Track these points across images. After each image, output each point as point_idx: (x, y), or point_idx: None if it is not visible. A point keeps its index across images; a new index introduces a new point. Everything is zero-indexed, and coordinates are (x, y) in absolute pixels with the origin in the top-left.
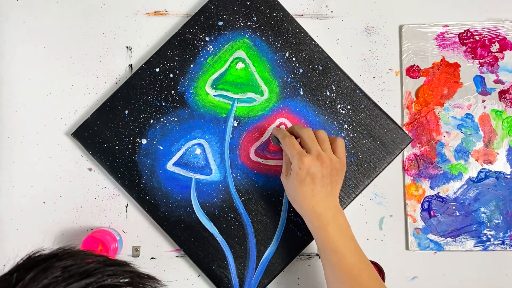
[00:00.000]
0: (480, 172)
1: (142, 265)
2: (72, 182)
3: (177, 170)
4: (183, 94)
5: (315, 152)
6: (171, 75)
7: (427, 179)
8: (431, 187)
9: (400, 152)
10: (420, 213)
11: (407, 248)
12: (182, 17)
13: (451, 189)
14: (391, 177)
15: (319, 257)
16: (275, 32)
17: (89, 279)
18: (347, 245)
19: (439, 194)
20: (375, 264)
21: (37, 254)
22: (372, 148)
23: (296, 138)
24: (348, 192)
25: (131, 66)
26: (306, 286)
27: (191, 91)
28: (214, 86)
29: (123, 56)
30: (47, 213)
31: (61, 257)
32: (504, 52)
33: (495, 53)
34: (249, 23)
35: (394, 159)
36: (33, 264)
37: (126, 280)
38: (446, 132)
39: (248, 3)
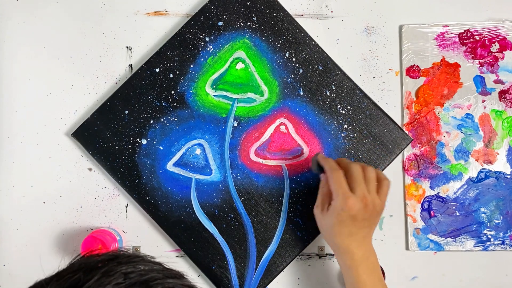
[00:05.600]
0: (480, 172)
1: None
2: (72, 182)
3: (177, 170)
4: (183, 94)
5: (360, 193)
6: (171, 75)
7: (427, 179)
8: (431, 187)
9: (400, 152)
10: (420, 213)
11: (407, 248)
12: (182, 17)
13: (451, 189)
14: (391, 177)
15: (319, 257)
16: (275, 32)
17: None
18: (375, 285)
19: (439, 194)
20: None
21: (94, 254)
22: (372, 148)
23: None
24: None
25: (131, 66)
26: (306, 286)
27: (191, 91)
28: (214, 86)
29: (123, 56)
30: (47, 213)
31: (121, 261)
32: (504, 52)
33: (495, 53)
34: (249, 23)
35: (394, 159)
36: (93, 266)
37: None
38: (446, 132)
39: (248, 3)
